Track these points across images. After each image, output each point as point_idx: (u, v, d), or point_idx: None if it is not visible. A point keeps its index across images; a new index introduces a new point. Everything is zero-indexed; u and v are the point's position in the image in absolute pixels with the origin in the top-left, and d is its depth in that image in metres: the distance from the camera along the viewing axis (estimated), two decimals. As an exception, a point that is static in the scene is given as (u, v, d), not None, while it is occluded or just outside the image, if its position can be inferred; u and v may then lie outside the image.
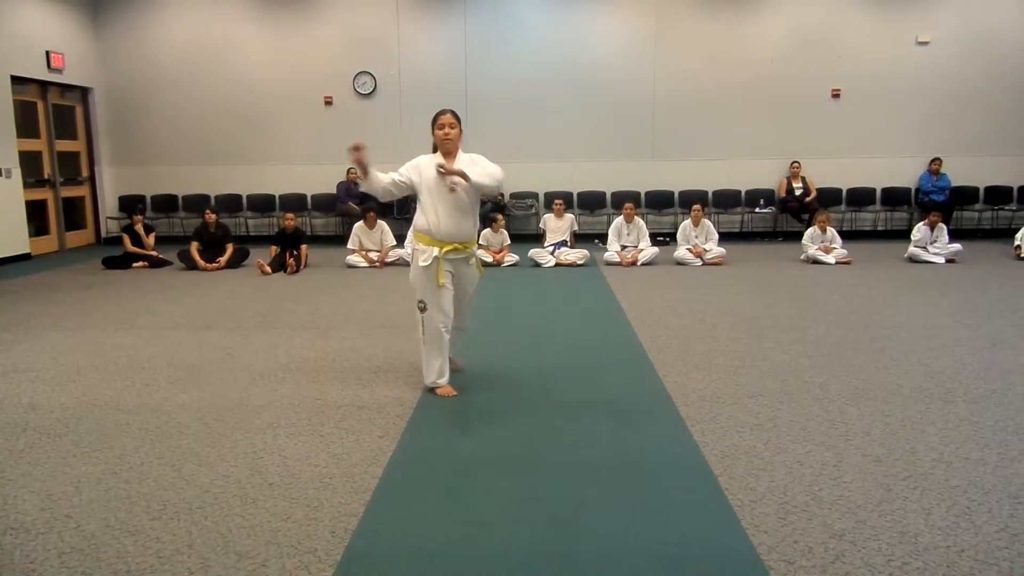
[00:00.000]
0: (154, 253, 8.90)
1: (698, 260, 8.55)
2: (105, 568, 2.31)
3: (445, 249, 3.82)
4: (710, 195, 10.88)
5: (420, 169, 3.84)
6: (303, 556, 2.37)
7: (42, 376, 4.38)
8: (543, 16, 10.82)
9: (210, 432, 3.44)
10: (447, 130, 3.81)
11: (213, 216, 8.73)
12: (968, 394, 3.85)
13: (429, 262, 3.80)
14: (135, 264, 8.73)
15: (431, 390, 3.95)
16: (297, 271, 8.24)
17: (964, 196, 10.69)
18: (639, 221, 8.97)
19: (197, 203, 10.99)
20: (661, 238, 10.07)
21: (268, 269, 8.18)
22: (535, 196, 10.93)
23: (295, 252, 8.42)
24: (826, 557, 2.31)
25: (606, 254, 8.79)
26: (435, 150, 3.89)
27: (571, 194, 10.83)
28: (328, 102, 10.99)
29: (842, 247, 8.62)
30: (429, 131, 3.87)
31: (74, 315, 6.12)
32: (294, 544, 2.44)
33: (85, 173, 11.05)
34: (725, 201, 10.90)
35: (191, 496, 2.79)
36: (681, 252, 8.66)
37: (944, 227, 8.75)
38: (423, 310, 3.87)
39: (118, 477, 2.97)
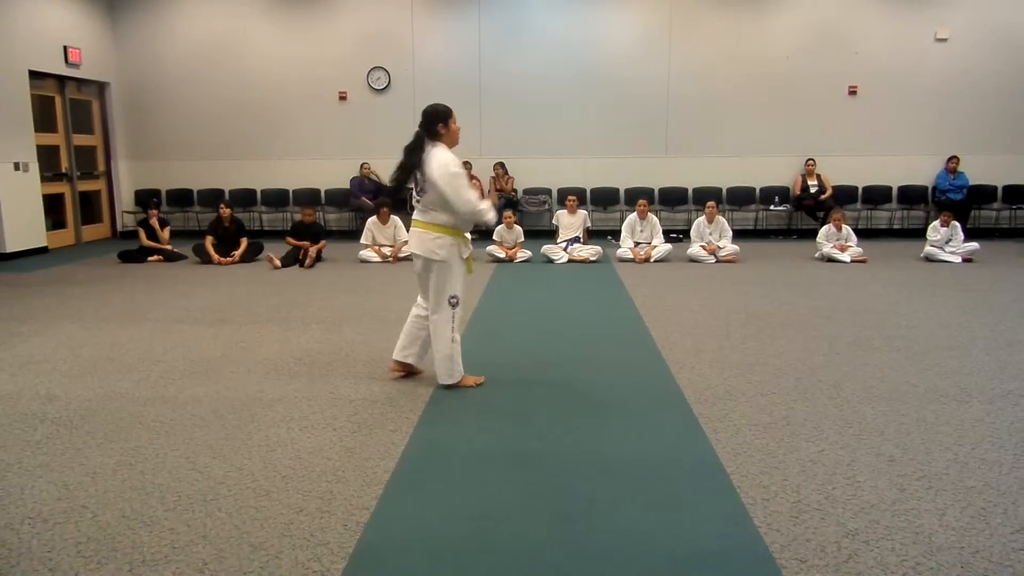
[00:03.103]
0: (169, 247, 8.98)
1: (712, 257, 8.51)
2: (120, 558, 2.34)
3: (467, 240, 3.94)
4: (724, 192, 10.82)
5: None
6: (316, 548, 2.38)
7: (59, 368, 4.43)
8: (557, 12, 10.78)
9: (224, 425, 3.47)
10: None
11: (228, 210, 8.79)
12: (984, 394, 3.81)
13: (467, 254, 3.88)
14: (150, 258, 8.80)
15: (452, 385, 3.95)
16: (313, 265, 8.28)
17: (982, 195, 10.56)
18: (653, 218, 8.94)
19: (212, 198, 11.07)
20: (675, 235, 10.03)
21: (278, 263, 8.22)
22: (548, 192, 10.91)
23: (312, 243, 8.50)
24: (839, 556, 2.30)
25: (619, 251, 8.77)
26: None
27: (584, 190, 10.82)
28: (342, 97, 11.02)
29: (857, 245, 8.56)
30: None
31: (90, 308, 6.18)
32: (307, 536, 2.46)
33: (101, 167, 11.13)
34: (739, 198, 10.84)
35: (205, 488, 2.81)
36: (695, 249, 8.63)
37: (958, 225, 8.67)
38: (456, 305, 3.88)
39: (133, 468, 3.00)
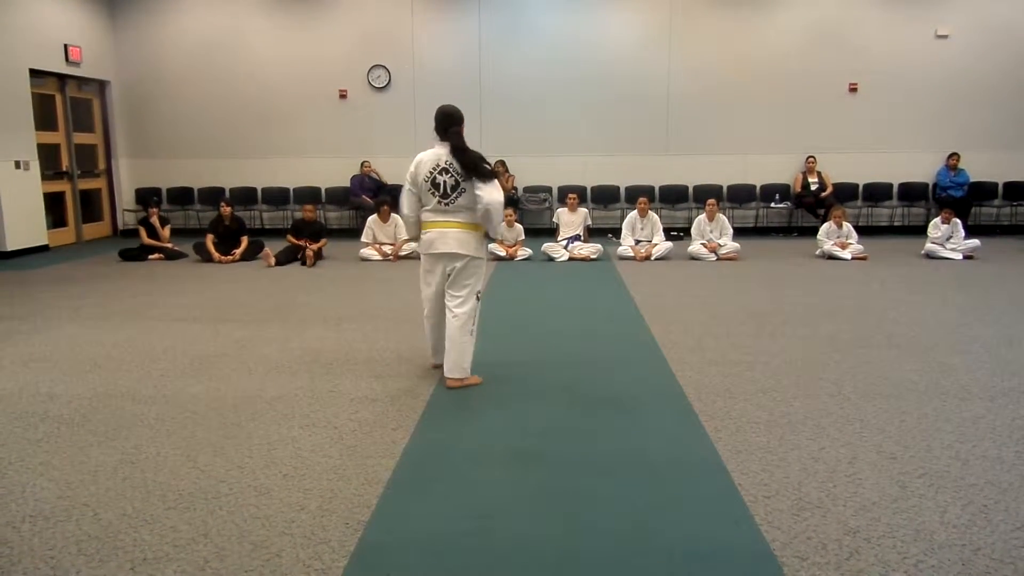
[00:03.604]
0: (170, 245, 8.97)
1: (712, 255, 8.51)
2: (122, 556, 2.34)
3: None
4: (725, 190, 10.82)
5: None
6: (317, 547, 2.38)
7: (60, 366, 4.43)
8: (558, 10, 10.77)
9: (225, 423, 3.47)
10: None
11: (228, 209, 8.79)
12: (985, 391, 3.81)
13: None
14: (151, 256, 8.80)
15: (456, 382, 3.95)
16: (314, 263, 8.27)
17: (982, 192, 10.55)
18: (653, 216, 8.94)
19: (212, 196, 11.08)
20: (675, 233, 10.03)
21: (272, 261, 8.23)
22: (549, 190, 10.90)
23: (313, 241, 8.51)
24: (840, 554, 2.30)
25: (620, 249, 8.76)
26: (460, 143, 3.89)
27: (585, 188, 10.81)
28: (342, 95, 11.01)
29: (858, 242, 8.55)
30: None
31: (91, 306, 6.18)
32: (308, 535, 2.46)
33: (102, 166, 11.13)
34: (740, 196, 10.83)
35: (206, 486, 2.81)
36: (695, 247, 8.63)
37: (959, 222, 8.68)
38: (480, 298, 4.01)
39: (135, 467, 3.00)
